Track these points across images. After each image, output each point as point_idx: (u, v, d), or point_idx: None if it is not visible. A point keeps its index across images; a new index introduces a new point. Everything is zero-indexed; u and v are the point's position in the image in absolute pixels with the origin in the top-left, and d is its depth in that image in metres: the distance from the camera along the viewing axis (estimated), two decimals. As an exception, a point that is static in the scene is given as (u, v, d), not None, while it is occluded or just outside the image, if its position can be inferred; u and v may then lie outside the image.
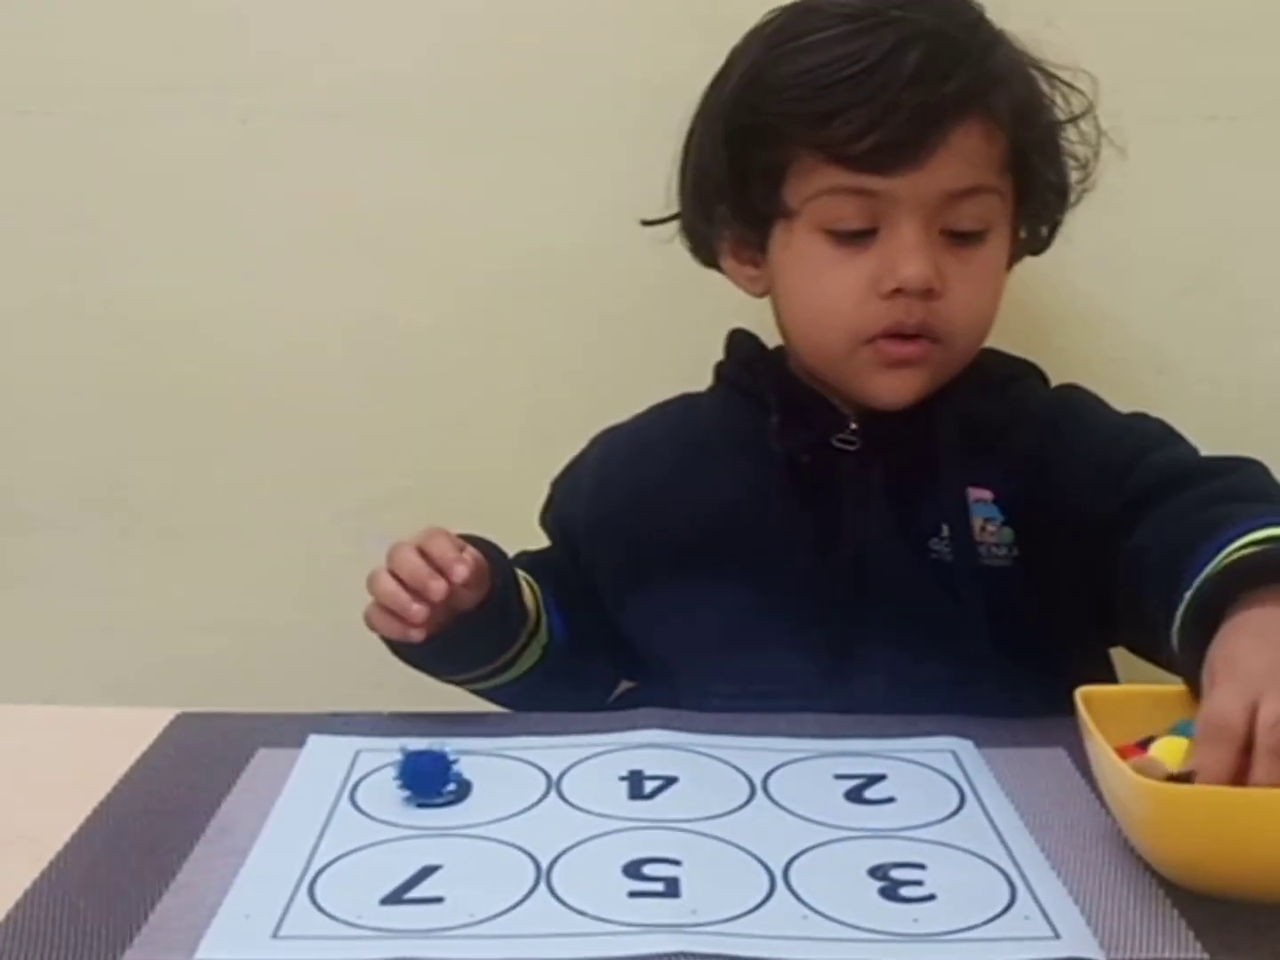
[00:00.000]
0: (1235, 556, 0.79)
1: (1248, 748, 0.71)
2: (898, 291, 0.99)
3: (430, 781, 0.83)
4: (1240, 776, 0.71)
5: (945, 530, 1.01)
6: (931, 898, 0.73)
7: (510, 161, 1.30)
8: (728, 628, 1.04)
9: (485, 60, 1.29)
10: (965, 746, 0.90)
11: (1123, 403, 1.13)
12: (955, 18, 1.00)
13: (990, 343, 1.13)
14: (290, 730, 0.93)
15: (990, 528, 1.01)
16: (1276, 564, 0.77)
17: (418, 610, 0.93)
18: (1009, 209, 1.03)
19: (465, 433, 1.35)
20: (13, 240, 1.35)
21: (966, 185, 0.99)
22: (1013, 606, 1.00)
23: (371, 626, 0.97)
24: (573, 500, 1.15)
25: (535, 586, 1.08)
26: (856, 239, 1.00)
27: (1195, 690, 0.79)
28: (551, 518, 1.17)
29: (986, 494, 1.01)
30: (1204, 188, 1.28)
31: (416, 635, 0.94)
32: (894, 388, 1.02)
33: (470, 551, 0.97)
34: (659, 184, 1.11)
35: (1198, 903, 0.72)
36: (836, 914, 0.71)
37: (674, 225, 1.12)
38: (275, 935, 0.70)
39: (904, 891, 0.73)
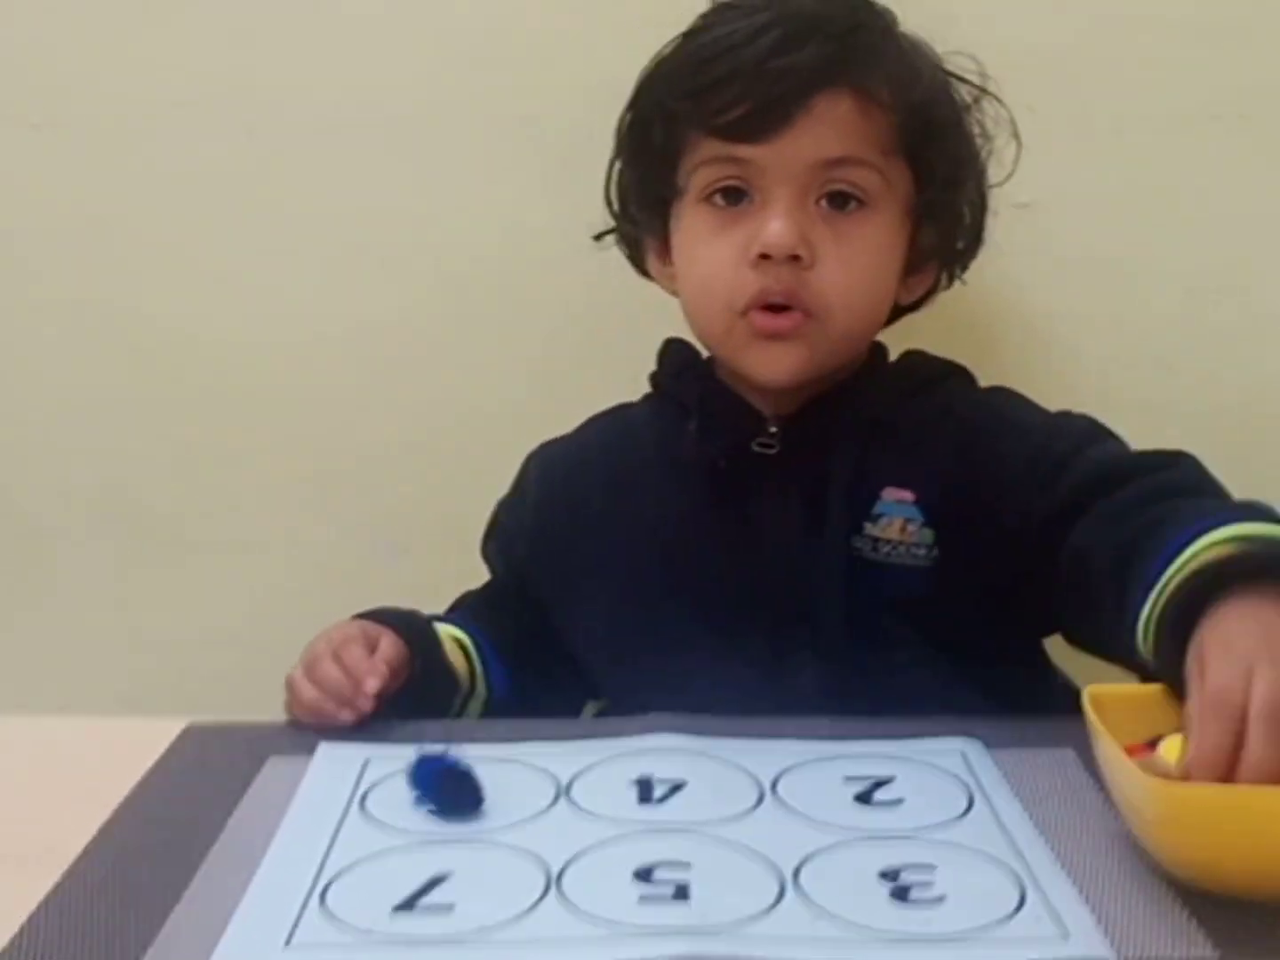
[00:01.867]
0: (1205, 559, 0.80)
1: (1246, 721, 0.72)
2: (765, 258, 1.00)
3: (461, 802, 0.83)
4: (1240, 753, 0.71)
5: (868, 528, 1.02)
6: (942, 899, 0.73)
7: (517, 170, 1.30)
8: (661, 641, 1.05)
9: (486, 75, 1.30)
10: (974, 747, 0.90)
11: (1129, 406, 1.13)
12: (837, 4, 1.03)
13: (991, 343, 1.13)
14: (301, 738, 0.93)
15: (910, 528, 1.01)
16: (1250, 566, 0.78)
17: (345, 717, 0.94)
18: (898, 193, 1.03)
19: (474, 442, 1.35)
20: (25, 252, 1.36)
21: (835, 155, 1.00)
22: (938, 604, 1.01)
23: (294, 720, 0.97)
24: (518, 517, 1.16)
25: (470, 645, 1.08)
26: (733, 206, 1.02)
27: (1174, 686, 0.80)
28: (494, 545, 1.18)
29: (907, 495, 1.02)
30: (1210, 188, 1.28)
31: (347, 718, 0.94)
32: (768, 362, 1.03)
33: (383, 652, 0.97)
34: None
35: (1208, 902, 0.72)
36: (847, 916, 0.71)
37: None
38: (288, 944, 0.70)
39: (914, 894, 0.73)
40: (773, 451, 1.05)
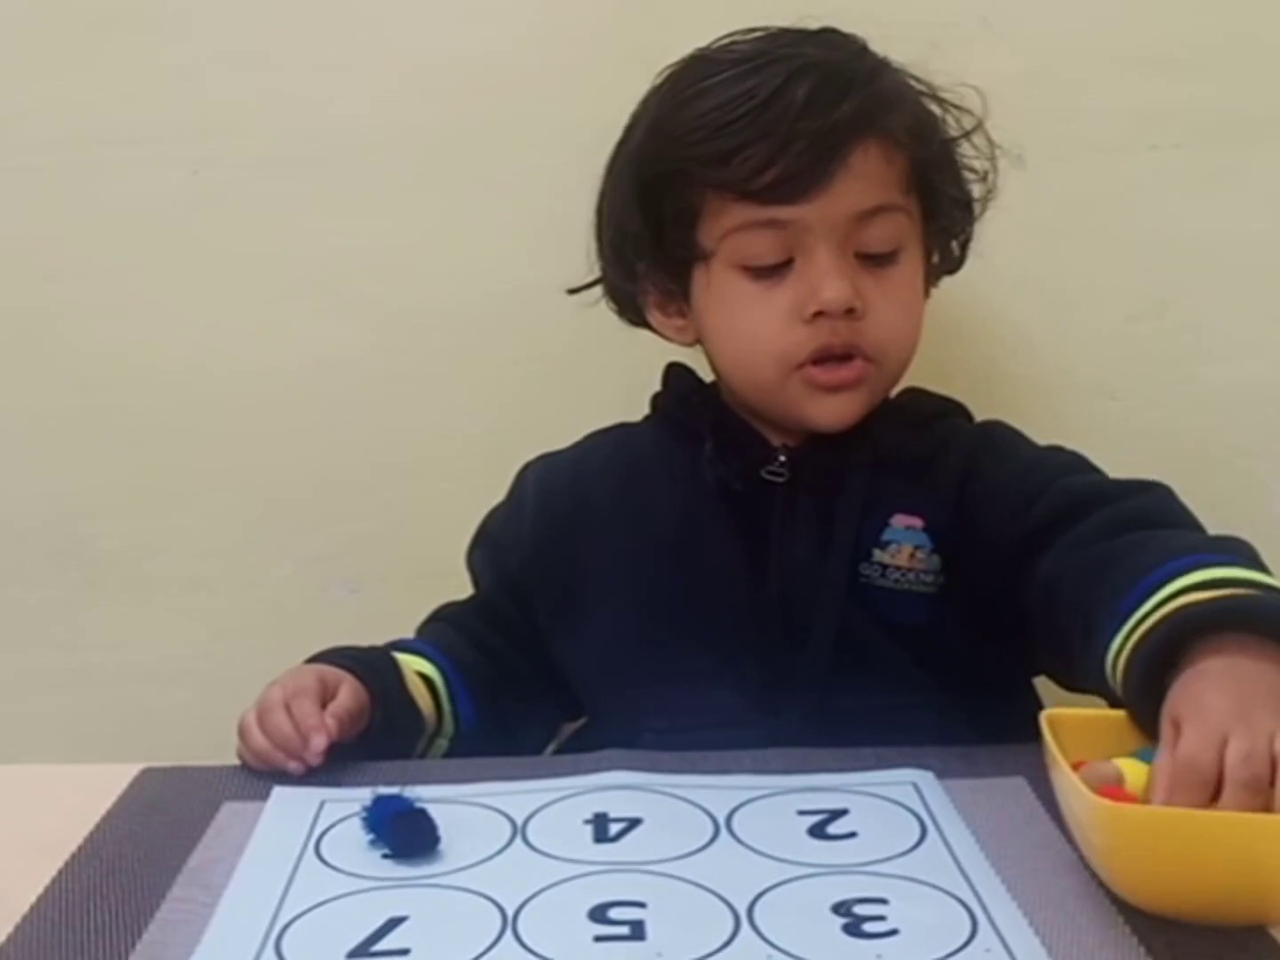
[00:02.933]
0: (1179, 603, 0.80)
1: (1218, 791, 0.73)
2: (820, 315, 1.01)
3: (416, 844, 0.83)
4: None
5: (877, 555, 1.03)
6: (894, 933, 0.74)
7: (461, 205, 1.31)
8: (659, 661, 1.05)
9: (434, 105, 1.31)
10: (926, 778, 0.91)
11: (1073, 430, 1.15)
12: (840, 49, 1.04)
13: (939, 372, 1.14)
14: (255, 782, 0.93)
15: (919, 554, 1.03)
16: (1226, 616, 0.79)
17: (293, 768, 0.93)
18: (917, 227, 1.05)
19: (426, 477, 1.35)
20: (-32, 293, 1.35)
21: (872, 205, 1.01)
22: (941, 632, 1.02)
23: (245, 764, 0.96)
24: (514, 528, 1.14)
25: (438, 680, 1.07)
26: (774, 271, 1.02)
27: (1145, 724, 0.80)
28: (481, 556, 1.16)
29: (917, 521, 1.03)
30: (1149, 216, 1.30)
31: (296, 769, 0.94)
32: (831, 411, 1.04)
33: (340, 704, 0.96)
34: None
35: (1156, 929, 0.73)
36: (800, 952, 0.72)
37: (598, 290, 1.14)
38: (243, 992, 0.70)
39: (867, 927, 0.74)
40: (782, 480, 1.05)
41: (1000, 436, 1.09)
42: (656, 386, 1.14)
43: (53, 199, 1.33)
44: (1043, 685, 1.07)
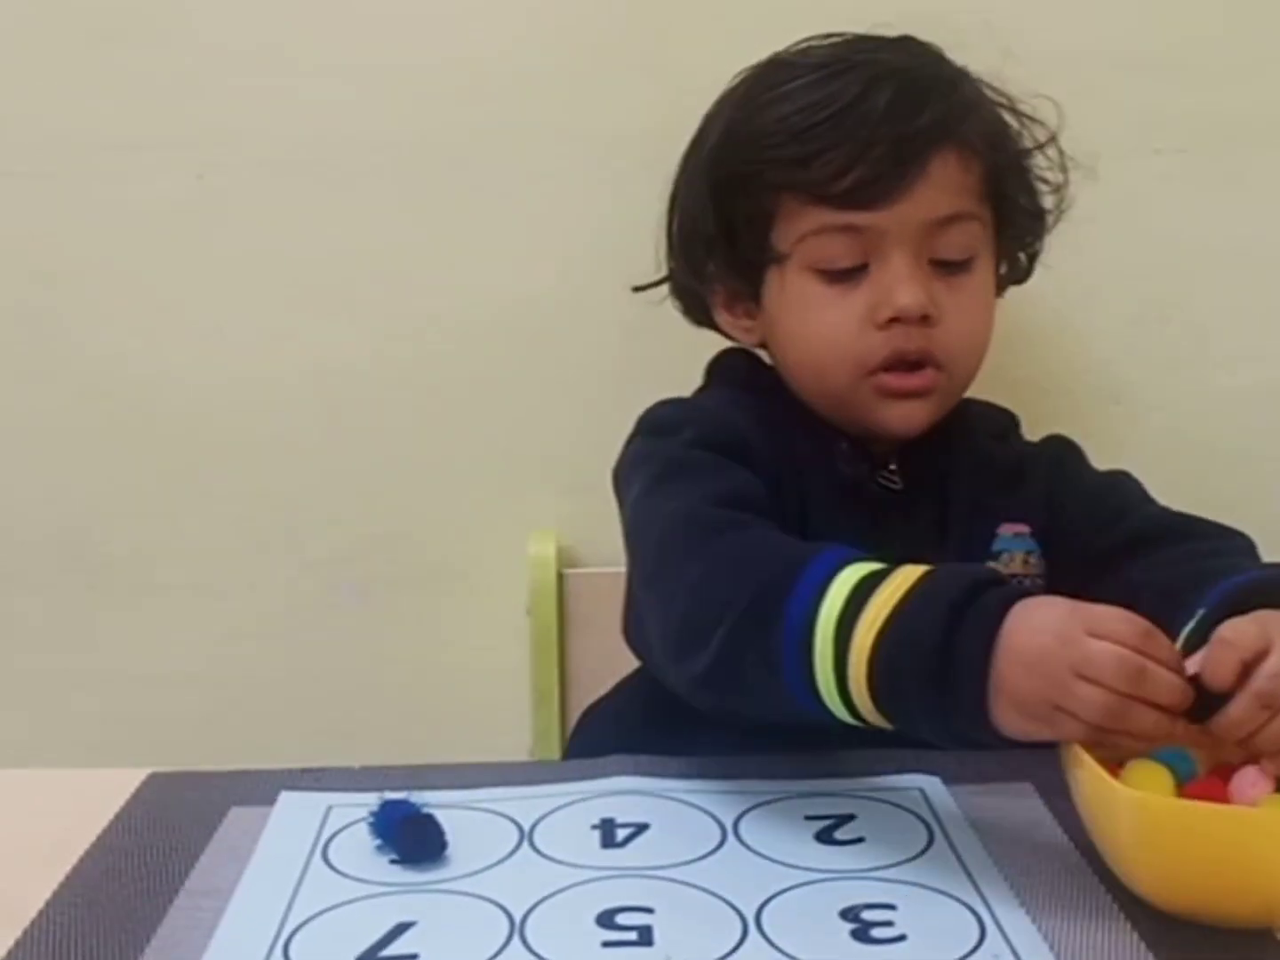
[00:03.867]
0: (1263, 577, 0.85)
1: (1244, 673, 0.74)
2: (894, 321, 1.01)
3: (423, 849, 0.83)
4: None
5: (991, 565, 1.03)
6: (903, 938, 0.74)
7: (467, 211, 1.31)
8: None
9: (440, 111, 1.31)
10: (933, 783, 0.91)
11: (1079, 432, 1.15)
12: (918, 56, 1.05)
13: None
14: (262, 787, 0.93)
15: (1032, 559, 1.05)
16: None
17: None
18: (990, 236, 1.06)
19: (432, 480, 1.35)
20: (-21, 295, 1.36)
21: (948, 213, 1.01)
22: None
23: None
24: (728, 416, 1.05)
25: None
26: (848, 275, 1.02)
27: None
28: (697, 428, 1.02)
29: (1024, 528, 1.05)
30: (1154, 220, 1.30)
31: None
32: (902, 417, 1.04)
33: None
34: (614, 234, 1.12)
35: (1164, 934, 0.73)
36: (808, 957, 0.72)
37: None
38: (251, 998, 0.70)
39: (875, 933, 0.74)
40: (898, 487, 1.06)
41: (1074, 449, 1.12)
42: (662, 394, 1.14)
43: (59, 204, 1.34)
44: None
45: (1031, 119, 1.09)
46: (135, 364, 1.36)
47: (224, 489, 1.37)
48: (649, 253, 1.14)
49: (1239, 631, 0.76)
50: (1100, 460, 1.11)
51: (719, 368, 1.13)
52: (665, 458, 1.00)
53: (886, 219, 1.00)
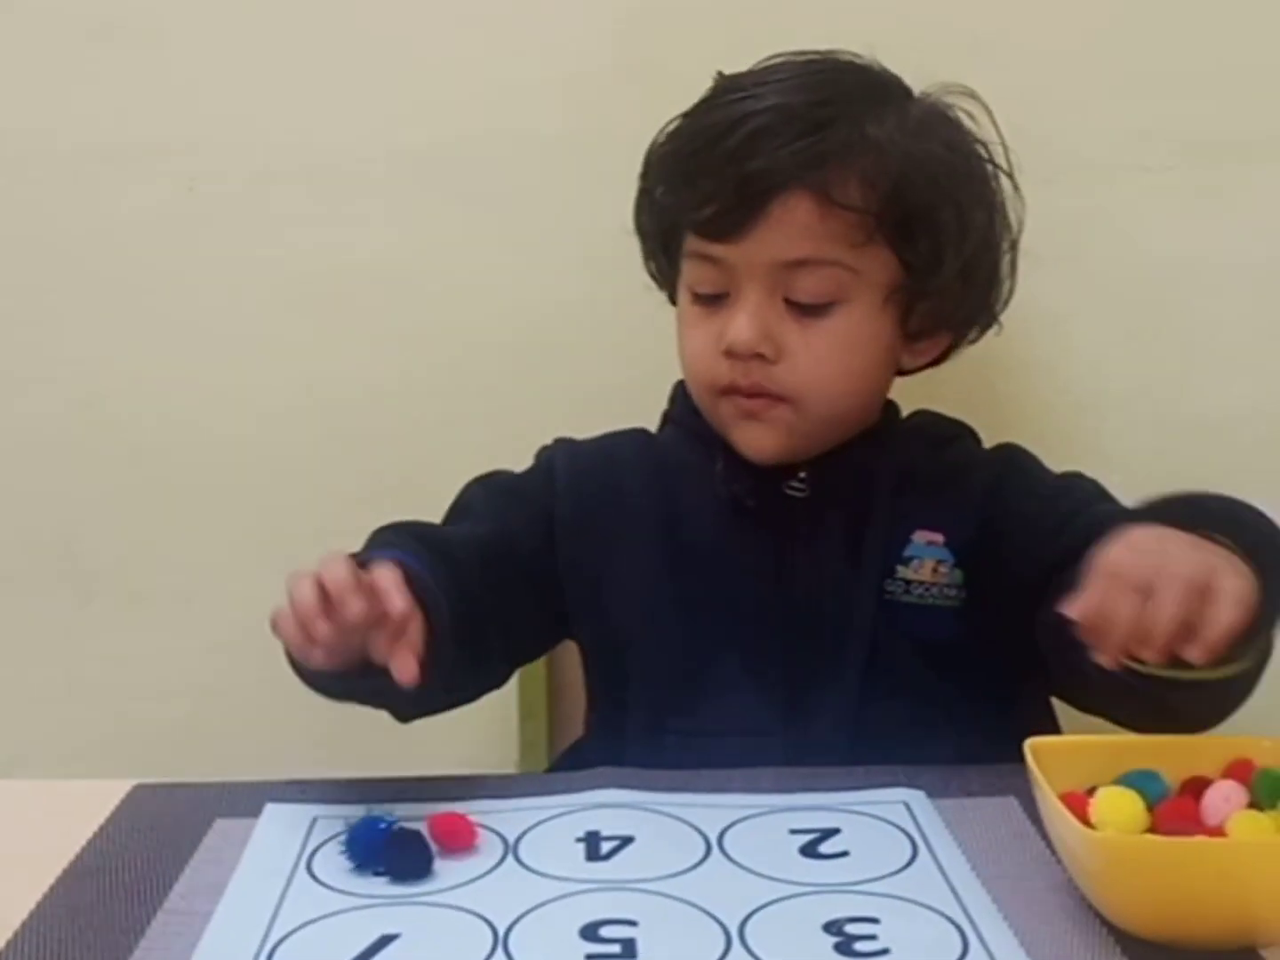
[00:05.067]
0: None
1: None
2: (731, 352, 1.02)
3: (411, 863, 0.83)
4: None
5: (900, 571, 1.04)
6: (885, 952, 0.74)
7: (458, 220, 1.32)
8: (687, 661, 1.06)
9: (432, 120, 1.31)
10: (917, 797, 0.91)
11: (1071, 447, 1.15)
12: (808, 94, 1.03)
13: (932, 391, 1.15)
14: (247, 799, 0.93)
15: (942, 569, 1.04)
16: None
17: (323, 630, 0.86)
18: (876, 281, 1.03)
19: (420, 490, 1.34)
20: (-38, 308, 1.36)
21: (797, 257, 1.01)
22: (964, 647, 1.03)
23: (275, 629, 0.89)
24: (545, 489, 1.12)
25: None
26: (714, 300, 1.05)
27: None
28: (492, 495, 1.12)
29: (938, 536, 1.05)
30: (1141, 236, 1.30)
31: (318, 658, 0.88)
32: (751, 440, 1.05)
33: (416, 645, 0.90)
34: (608, 244, 1.13)
35: (1149, 950, 0.73)
36: (791, 971, 0.72)
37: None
38: (234, 1010, 0.70)
39: (858, 946, 0.74)
40: (804, 495, 1.06)
41: (1022, 460, 1.10)
42: (662, 401, 1.14)
43: (50, 213, 1.34)
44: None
45: (996, 165, 1.08)
46: (124, 373, 1.36)
47: (211, 499, 1.37)
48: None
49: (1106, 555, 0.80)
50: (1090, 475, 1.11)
51: (671, 404, 1.15)
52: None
53: (736, 254, 1.02)
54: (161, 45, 1.31)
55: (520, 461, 1.20)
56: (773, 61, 1.07)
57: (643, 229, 1.11)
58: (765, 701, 1.04)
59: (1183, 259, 1.30)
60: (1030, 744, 0.81)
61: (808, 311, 1.02)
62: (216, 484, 1.38)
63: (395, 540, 1.02)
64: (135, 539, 1.39)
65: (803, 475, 1.06)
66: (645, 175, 1.09)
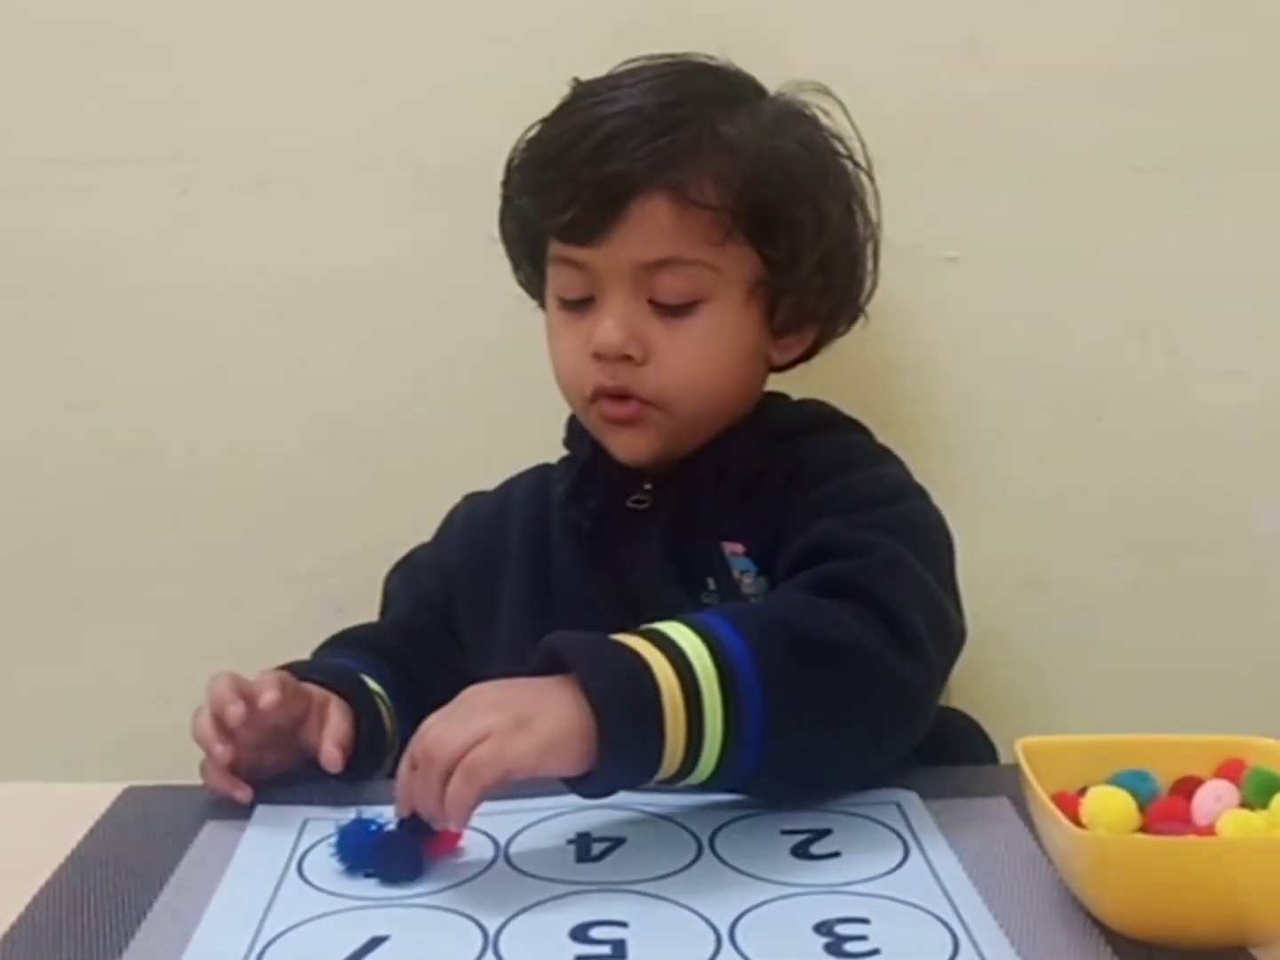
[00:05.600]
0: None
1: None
2: (599, 355, 1.03)
3: (403, 866, 0.83)
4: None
5: (712, 584, 1.04)
6: (876, 953, 0.73)
7: (450, 226, 1.31)
8: None
9: (425, 126, 1.31)
10: (910, 798, 0.91)
11: (1059, 452, 1.15)
12: (661, 95, 1.04)
13: (924, 394, 1.14)
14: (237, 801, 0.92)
15: (747, 579, 1.04)
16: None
17: (220, 751, 0.92)
18: (738, 277, 1.04)
19: (412, 497, 1.35)
20: (-40, 311, 1.35)
21: (658, 257, 1.02)
22: None
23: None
24: (438, 554, 1.19)
25: (386, 698, 1.05)
26: (580, 305, 1.06)
27: None
28: (400, 578, 1.20)
29: (739, 547, 1.04)
30: (1134, 238, 1.30)
31: (242, 796, 0.92)
32: (622, 445, 1.07)
33: (338, 729, 0.96)
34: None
35: (1138, 951, 0.73)
36: (782, 972, 0.72)
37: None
38: (223, 1011, 0.70)
39: (848, 947, 0.74)
40: (644, 507, 1.07)
41: (823, 456, 1.05)
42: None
43: (42, 219, 1.34)
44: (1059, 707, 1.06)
45: (854, 160, 1.09)
46: (117, 378, 1.36)
47: (205, 505, 1.37)
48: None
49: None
50: (1083, 478, 1.11)
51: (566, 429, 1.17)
52: None
53: (598, 257, 1.03)
54: (154, 52, 1.31)
55: (512, 468, 1.21)
56: (629, 65, 1.08)
57: (507, 237, 1.13)
58: None
59: (1174, 260, 1.30)
60: (1022, 744, 0.81)
61: (672, 311, 1.03)
62: (211, 490, 1.37)
63: (331, 650, 1.12)
64: (128, 545, 1.39)
65: (648, 487, 1.07)
66: (507, 183, 1.10)
